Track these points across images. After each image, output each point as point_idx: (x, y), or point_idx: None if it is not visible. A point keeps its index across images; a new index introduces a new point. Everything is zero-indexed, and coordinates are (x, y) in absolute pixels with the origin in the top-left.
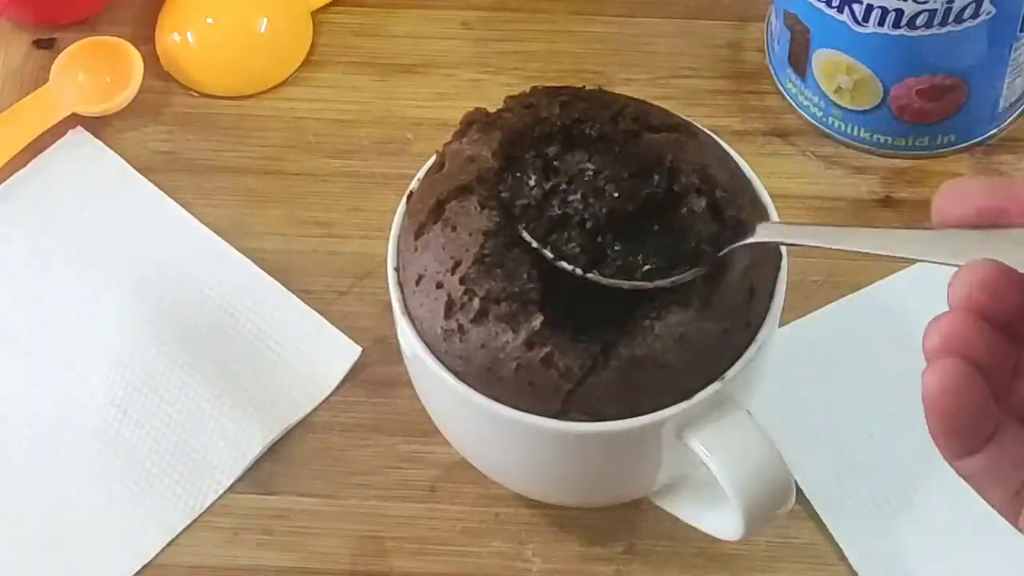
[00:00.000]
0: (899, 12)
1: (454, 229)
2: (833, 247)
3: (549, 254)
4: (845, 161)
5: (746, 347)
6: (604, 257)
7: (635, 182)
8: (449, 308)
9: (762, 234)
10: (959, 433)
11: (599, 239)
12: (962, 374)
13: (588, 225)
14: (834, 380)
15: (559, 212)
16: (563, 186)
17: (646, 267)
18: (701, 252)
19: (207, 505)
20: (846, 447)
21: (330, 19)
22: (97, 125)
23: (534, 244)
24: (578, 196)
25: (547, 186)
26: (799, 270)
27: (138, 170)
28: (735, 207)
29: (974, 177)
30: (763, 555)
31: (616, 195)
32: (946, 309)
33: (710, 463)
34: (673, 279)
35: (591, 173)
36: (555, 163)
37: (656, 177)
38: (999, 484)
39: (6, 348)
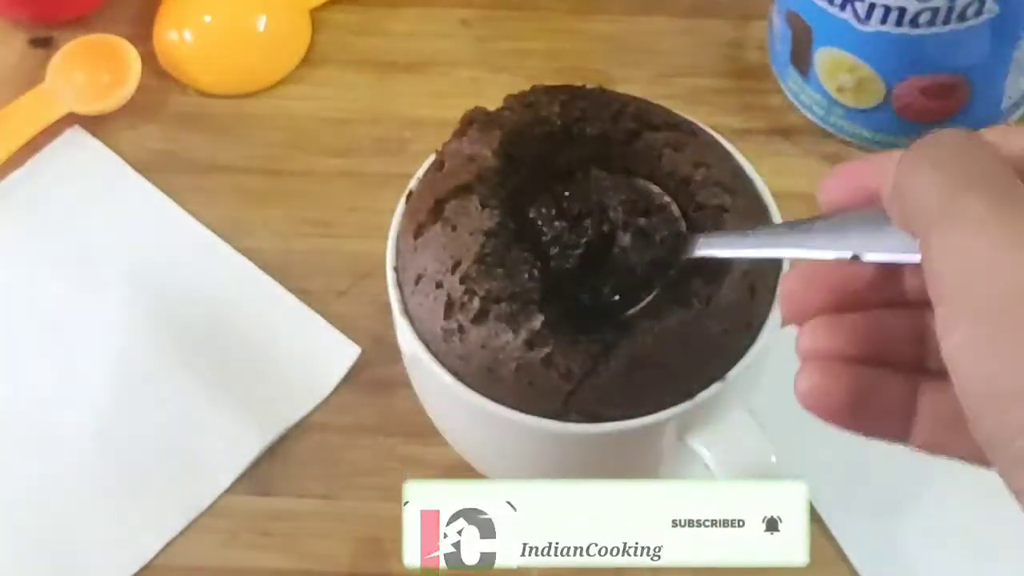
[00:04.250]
0: (902, 10)
1: (454, 229)
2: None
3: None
4: (847, 159)
5: (747, 347)
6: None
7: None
8: (449, 308)
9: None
10: (863, 427)
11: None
12: (827, 372)
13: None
14: None
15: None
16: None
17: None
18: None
19: (205, 506)
20: (847, 447)
21: (329, 17)
22: (94, 124)
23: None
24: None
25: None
26: None
27: (135, 169)
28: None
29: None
30: None
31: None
32: None
33: (711, 464)
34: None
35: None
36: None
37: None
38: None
39: (3, 348)
